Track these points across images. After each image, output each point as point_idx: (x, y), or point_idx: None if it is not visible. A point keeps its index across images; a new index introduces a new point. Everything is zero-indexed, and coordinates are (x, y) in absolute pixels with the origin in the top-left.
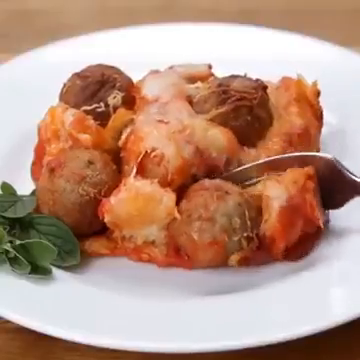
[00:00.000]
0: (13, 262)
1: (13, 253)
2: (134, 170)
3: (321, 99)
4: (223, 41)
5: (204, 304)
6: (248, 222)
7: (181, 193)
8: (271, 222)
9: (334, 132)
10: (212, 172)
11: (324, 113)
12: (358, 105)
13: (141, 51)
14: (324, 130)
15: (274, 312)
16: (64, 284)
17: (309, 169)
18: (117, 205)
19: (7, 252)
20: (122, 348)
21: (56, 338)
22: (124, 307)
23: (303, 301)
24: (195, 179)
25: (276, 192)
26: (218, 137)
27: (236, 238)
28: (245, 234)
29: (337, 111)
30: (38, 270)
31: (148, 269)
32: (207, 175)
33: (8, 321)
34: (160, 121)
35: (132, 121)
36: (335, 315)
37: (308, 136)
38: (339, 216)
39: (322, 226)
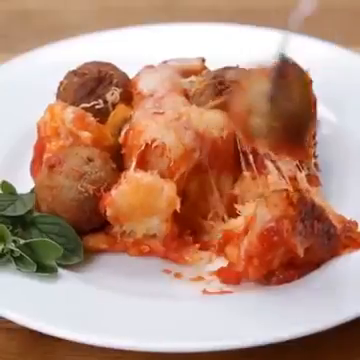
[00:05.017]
0: (18, 261)
1: (18, 252)
2: (134, 162)
3: (321, 99)
4: (223, 41)
5: (205, 304)
6: None
7: (187, 185)
8: (251, 239)
9: (334, 132)
10: (217, 155)
11: (324, 113)
12: (358, 105)
13: (141, 51)
14: (324, 130)
15: (274, 312)
16: (66, 283)
17: (293, 195)
18: (118, 197)
19: (12, 251)
20: (123, 348)
21: (57, 338)
22: (125, 307)
23: (303, 301)
24: (201, 167)
25: (261, 212)
26: (214, 117)
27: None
28: None
29: (337, 111)
30: (43, 269)
31: (151, 268)
32: (213, 161)
33: (9, 321)
34: (156, 113)
35: (131, 117)
36: (335, 315)
37: None
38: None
39: (301, 254)
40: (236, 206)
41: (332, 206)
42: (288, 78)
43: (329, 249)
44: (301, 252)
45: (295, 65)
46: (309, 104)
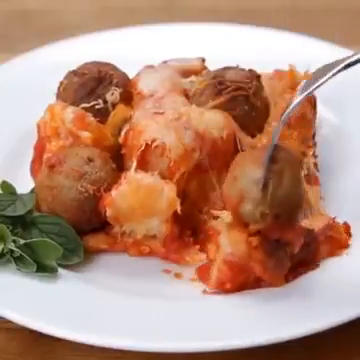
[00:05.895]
0: (18, 261)
1: (18, 252)
2: (134, 163)
3: (321, 99)
4: (223, 41)
5: (205, 304)
6: None
7: (187, 184)
8: (220, 266)
9: (334, 132)
10: (217, 155)
11: (324, 113)
12: (358, 105)
13: (141, 51)
14: (324, 130)
15: (274, 312)
16: (66, 283)
17: (253, 239)
18: (118, 198)
19: (12, 251)
20: (123, 348)
21: (57, 338)
22: (125, 307)
23: (303, 301)
24: (202, 167)
25: (223, 243)
26: (214, 117)
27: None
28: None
29: (337, 111)
30: (43, 269)
31: (151, 268)
32: (213, 161)
33: (9, 321)
34: (156, 113)
35: (131, 117)
36: (335, 315)
37: (305, 120)
38: (338, 214)
39: (282, 285)
40: (212, 211)
41: (325, 205)
42: (279, 163)
43: (311, 252)
44: (279, 282)
45: (286, 149)
46: (300, 187)
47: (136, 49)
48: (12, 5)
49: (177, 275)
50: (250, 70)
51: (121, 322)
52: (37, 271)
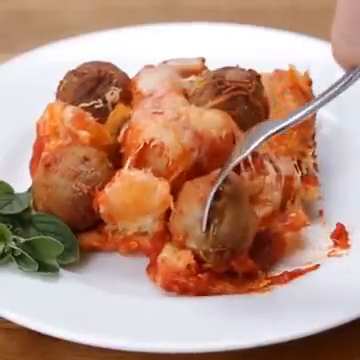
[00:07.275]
0: (20, 260)
1: (19, 251)
2: (129, 160)
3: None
4: (223, 41)
5: (205, 304)
6: None
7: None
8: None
9: (334, 132)
10: (216, 155)
11: (324, 113)
12: (358, 105)
13: (141, 51)
14: (324, 130)
15: (274, 312)
16: (65, 284)
17: (203, 276)
18: (112, 195)
19: (13, 250)
20: (121, 348)
21: (56, 338)
22: (124, 307)
23: (303, 301)
24: (200, 166)
25: (167, 249)
26: (213, 117)
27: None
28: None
29: (337, 111)
30: (45, 268)
31: None
32: (212, 161)
33: (8, 321)
34: (155, 112)
35: (130, 117)
36: (335, 315)
37: (305, 120)
38: (338, 214)
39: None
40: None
41: (325, 205)
42: (222, 199)
43: (276, 246)
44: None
45: (231, 181)
46: (243, 220)
47: (136, 49)
48: (12, 5)
49: None
50: (250, 70)
51: (119, 322)
52: (39, 270)
